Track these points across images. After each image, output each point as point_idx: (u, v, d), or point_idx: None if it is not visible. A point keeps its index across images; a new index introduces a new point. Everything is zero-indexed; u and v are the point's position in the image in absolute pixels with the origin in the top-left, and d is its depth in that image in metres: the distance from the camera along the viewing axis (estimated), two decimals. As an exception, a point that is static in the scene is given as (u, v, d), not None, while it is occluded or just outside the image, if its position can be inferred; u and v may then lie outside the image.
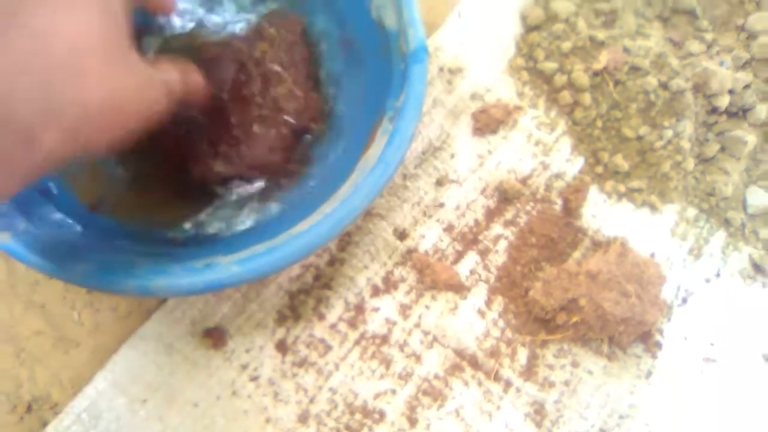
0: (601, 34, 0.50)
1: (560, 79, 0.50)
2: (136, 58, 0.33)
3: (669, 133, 0.49)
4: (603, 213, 0.49)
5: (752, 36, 0.52)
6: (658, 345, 0.47)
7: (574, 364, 0.45)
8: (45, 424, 0.42)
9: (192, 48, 0.44)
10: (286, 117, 0.43)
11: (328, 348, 0.44)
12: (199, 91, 0.39)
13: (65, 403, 0.42)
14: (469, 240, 0.47)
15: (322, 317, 0.45)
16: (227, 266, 0.36)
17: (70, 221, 0.41)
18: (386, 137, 0.40)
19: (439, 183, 0.48)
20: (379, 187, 0.38)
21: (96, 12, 0.32)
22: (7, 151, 0.28)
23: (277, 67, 0.44)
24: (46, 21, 0.30)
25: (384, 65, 0.43)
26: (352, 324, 0.45)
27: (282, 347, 0.44)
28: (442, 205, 0.48)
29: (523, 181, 0.49)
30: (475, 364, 0.45)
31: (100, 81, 0.31)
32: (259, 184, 0.45)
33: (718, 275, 0.50)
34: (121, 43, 0.33)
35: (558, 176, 0.49)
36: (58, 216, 0.41)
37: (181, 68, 0.37)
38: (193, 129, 0.42)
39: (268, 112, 0.43)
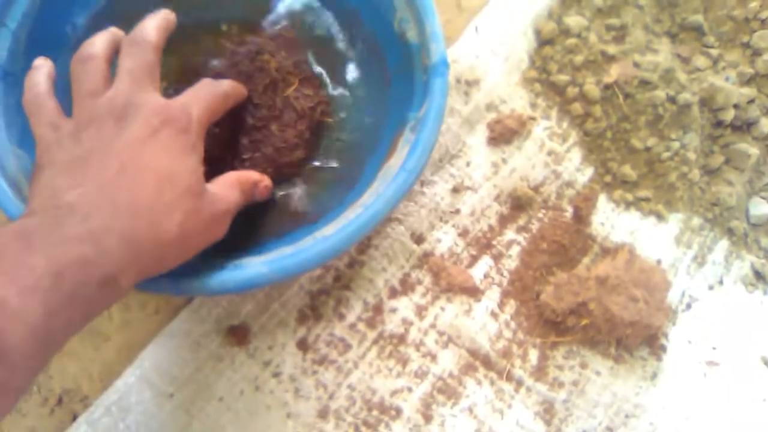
0: (611, 49, 0.52)
1: (572, 92, 0.52)
2: (210, 192, 0.35)
3: (676, 145, 0.51)
4: (612, 221, 0.51)
5: (757, 53, 0.54)
6: (663, 348, 0.48)
7: (583, 365, 0.47)
8: (75, 416, 0.43)
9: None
10: (300, 114, 0.45)
11: (348, 347, 0.46)
12: (266, 193, 0.42)
13: (95, 396, 0.44)
14: (483, 245, 0.49)
15: (341, 317, 0.46)
16: (256, 267, 0.38)
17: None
18: (408, 147, 0.41)
19: (455, 189, 0.50)
20: (400, 195, 0.40)
21: (181, 146, 0.34)
22: (93, 292, 0.29)
23: (282, 71, 0.45)
24: (134, 154, 0.33)
25: (406, 77, 0.45)
26: (371, 324, 0.46)
27: (303, 345, 0.46)
28: (457, 210, 0.49)
29: (536, 189, 0.51)
30: (487, 363, 0.46)
31: (180, 218, 0.33)
32: (289, 188, 0.46)
33: (721, 282, 0.51)
34: (201, 179, 0.35)
35: (569, 185, 0.51)
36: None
37: (243, 182, 0.39)
38: (214, 145, 0.44)
39: (283, 113, 0.45)
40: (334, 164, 0.46)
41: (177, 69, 0.46)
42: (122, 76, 0.35)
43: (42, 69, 0.37)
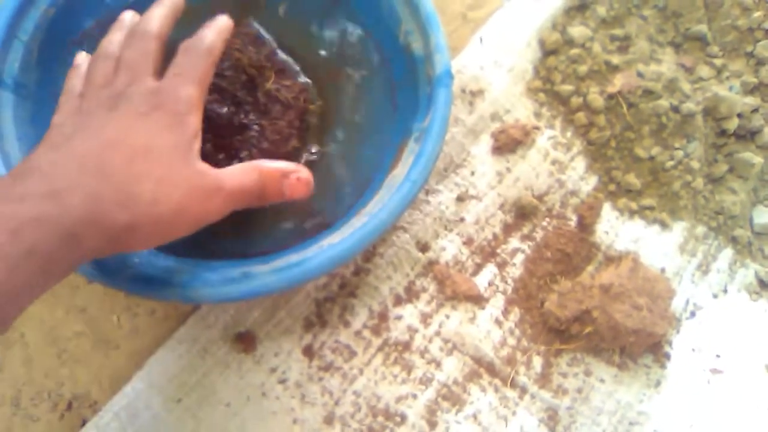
0: (615, 59, 0.52)
1: (576, 101, 0.52)
2: (199, 167, 0.34)
3: (680, 154, 0.51)
4: (616, 229, 0.51)
5: (761, 62, 0.54)
6: (667, 356, 0.49)
7: (587, 373, 0.47)
8: (84, 421, 0.44)
9: None
10: (285, 105, 0.46)
11: (353, 353, 0.46)
12: (300, 188, 0.39)
13: (104, 401, 0.44)
14: (488, 253, 0.49)
15: (347, 324, 0.47)
16: (263, 276, 0.39)
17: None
18: (412, 157, 0.42)
19: (460, 198, 0.50)
20: (405, 204, 0.41)
21: (165, 124, 0.34)
22: (53, 249, 0.29)
23: (256, 66, 0.46)
24: (114, 132, 0.33)
25: (411, 88, 0.45)
26: (376, 331, 0.47)
27: (309, 352, 0.46)
28: (462, 219, 0.50)
29: (540, 197, 0.51)
30: (492, 371, 0.47)
31: (151, 186, 0.32)
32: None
33: (725, 291, 0.52)
34: (185, 153, 0.34)
35: (573, 194, 0.52)
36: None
37: (265, 172, 0.37)
38: (209, 148, 0.44)
39: (269, 106, 0.45)
40: (330, 156, 0.47)
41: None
42: (121, 68, 0.36)
43: (81, 69, 0.39)
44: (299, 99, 0.46)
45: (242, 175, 0.36)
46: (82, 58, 0.39)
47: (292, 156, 0.46)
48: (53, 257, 0.29)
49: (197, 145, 0.35)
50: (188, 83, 0.35)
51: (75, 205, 0.30)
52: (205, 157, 0.44)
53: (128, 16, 0.40)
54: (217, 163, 0.44)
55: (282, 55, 0.48)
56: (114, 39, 0.38)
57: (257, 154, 0.44)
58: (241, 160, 0.44)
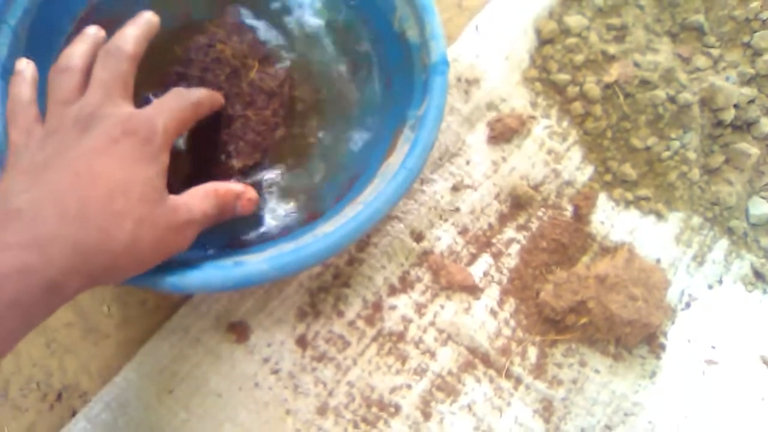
0: (612, 49, 0.52)
1: (572, 91, 0.52)
2: (170, 202, 0.35)
3: (676, 145, 0.51)
4: (611, 219, 0.51)
5: (758, 53, 0.54)
6: (662, 347, 0.49)
7: (582, 363, 0.47)
8: (74, 412, 0.44)
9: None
10: (269, 94, 0.45)
11: (347, 344, 0.46)
12: (250, 207, 0.40)
13: (94, 392, 0.44)
14: (483, 243, 0.49)
15: (340, 314, 0.46)
16: (256, 264, 0.38)
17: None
18: (408, 145, 0.42)
19: (455, 188, 0.50)
20: (400, 193, 0.40)
21: (140, 156, 0.34)
22: (35, 299, 0.29)
23: (239, 57, 0.45)
24: (89, 163, 0.32)
25: (406, 76, 0.45)
26: (370, 321, 0.46)
27: (302, 342, 0.46)
28: (457, 209, 0.49)
29: (536, 187, 0.51)
30: (487, 361, 0.47)
31: (130, 226, 0.32)
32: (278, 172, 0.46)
33: (720, 281, 0.52)
34: (159, 188, 0.34)
35: (569, 184, 0.51)
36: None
37: (221, 194, 0.38)
38: (196, 145, 0.44)
39: (254, 97, 0.45)
40: (314, 140, 0.47)
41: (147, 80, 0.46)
42: (94, 86, 0.35)
43: (25, 74, 0.38)
44: (283, 87, 0.46)
45: (203, 202, 0.37)
46: (23, 65, 0.38)
47: (281, 145, 0.45)
48: (36, 306, 0.30)
49: (165, 178, 0.35)
50: (167, 115, 0.35)
51: (58, 255, 0.30)
52: (196, 155, 0.44)
53: (92, 30, 0.39)
54: (208, 159, 0.44)
55: (266, 35, 0.48)
56: (77, 52, 0.37)
57: (245, 147, 0.44)
58: (229, 155, 0.43)
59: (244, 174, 0.45)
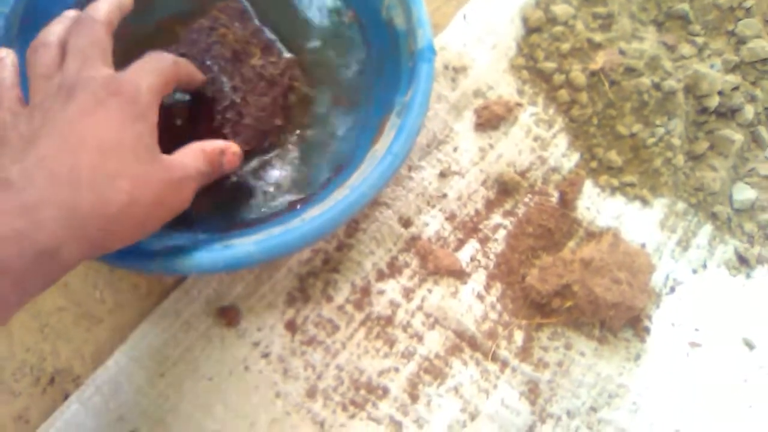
0: (598, 37, 0.53)
1: (559, 79, 0.52)
2: (164, 160, 0.35)
3: (661, 131, 0.52)
4: (597, 205, 0.52)
5: (741, 41, 0.55)
6: (647, 330, 0.49)
7: (567, 346, 0.48)
8: (67, 395, 0.44)
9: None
10: (270, 82, 0.45)
11: (336, 328, 0.46)
12: (235, 161, 0.41)
13: (86, 375, 0.44)
14: (470, 229, 0.50)
15: (330, 299, 0.47)
16: (245, 246, 0.39)
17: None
18: (394, 131, 0.42)
19: (442, 174, 0.50)
20: (386, 178, 0.41)
21: (128, 115, 0.33)
22: (27, 266, 0.29)
23: (241, 42, 0.45)
24: (77, 127, 0.32)
25: (393, 63, 0.45)
26: (359, 306, 0.47)
27: (292, 326, 0.46)
28: (444, 195, 0.50)
29: (522, 174, 0.51)
30: (473, 344, 0.47)
31: (126, 186, 0.32)
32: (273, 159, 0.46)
33: (704, 266, 0.52)
34: (151, 147, 0.34)
35: (555, 170, 0.52)
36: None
37: (208, 151, 0.38)
38: (192, 127, 0.44)
39: (254, 83, 0.45)
40: (312, 132, 0.47)
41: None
42: (71, 55, 0.35)
43: (6, 60, 0.37)
44: (284, 76, 0.46)
45: (195, 159, 0.37)
46: (3, 53, 0.38)
47: (275, 134, 0.46)
48: (29, 273, 0.29)
49: (156, 137, 0.35)
50: (149, 74, 0.35)
51: (48, 220, 0.29)
52: (190, 132, 0.45)
53: (71, 14, 0.38)
54: (200, 139, 0.44)
55: (268, 33, 0.48)
56: (54, 30, 0.37)
57: (241, 131, 0.44)
58: (225, 137, 0.44)
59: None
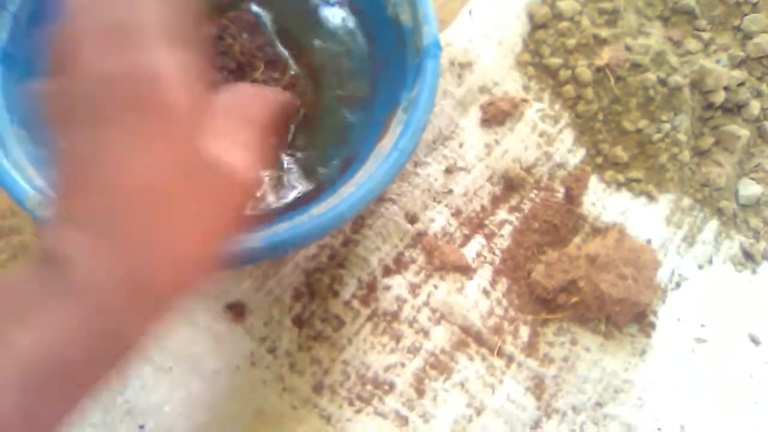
0: (604, 32, 0.53)
1: (564, 74, 0.52)
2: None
3: (667, 127, 0.52)
4: (603, 201, 0.52)
5: (747, 36, 0.55)
6: (652, 325, 0.49)
7: (573, 342, 0.48)
8: (76, 390, 0.45)
9: None
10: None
11: (342, 323, 0.47)
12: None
13: (95, 371, 0.45)
14: (476, 224, 0.50)
15: (336, 294, 0.47)
16: (251, 242, 0.39)
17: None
18: (400, 127, 0.42)
19: (448, 170, 0.50)
20: (393, 174, 0.41)
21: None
22: (94, 349, 0.26)
23: (247, 55, 0.45)
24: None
25: (400, 59, 0.45)
26: (365, 301, 0.47)
27: (298, 322, 0.47)
28: (450, 191, 0.50)
29: (528, 170, 0.51)
30: (479, 340, 0.47)
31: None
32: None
33: (710, 262, 0.52)
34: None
35: (561, 166, 0.52)
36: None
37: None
38: None
39: None
40: (306, 154, 0.47)
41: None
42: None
43: None
44: (286, 93, 0.47)
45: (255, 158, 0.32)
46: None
47: (275, 151, 0.46)
48: (97, 360, 0.26)
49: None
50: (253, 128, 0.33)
51: (119, 301, 0.26)
52: None
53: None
54: None
55: (276, 47, 0.48)
56: None
57: None
58: None
59: None
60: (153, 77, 0.26)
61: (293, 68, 0.48)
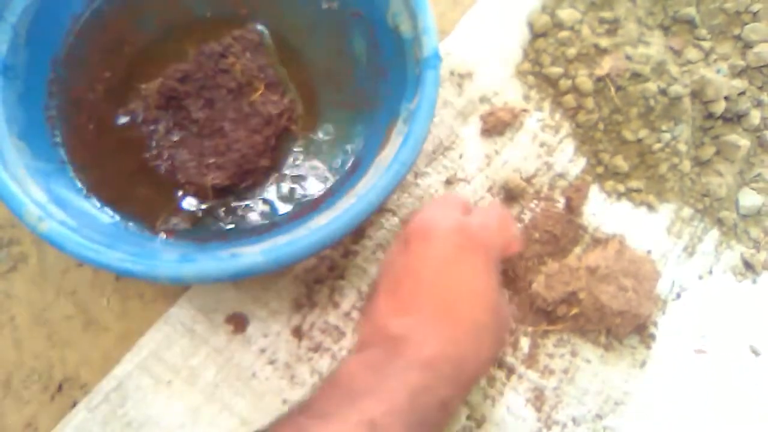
0: (604, 42, 0.52)
1: (565, 84, 0.52)
2: (503, 309, 0.37)
3: (667, 137, 0.51)
4: (603, 211, 0.51)
5: (748, 45, 0.55)
6: (653, 337, 0.49)
7: (573, 354, 0.48)
8: (75, 403, 0.44)
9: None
10: (266, 120, 0.45)
11: (342, 334, 0.47)
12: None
13: (94, 383, 0.44)
14: (476, 235, 0.50)
15: (336, 305, 0.47)
16: (252, 256, 0.39)
17: (104, 214, 0.43)
18: (401, 138, 0.42)
19: (449, 181, 0.50)
20: (393, 186, 0.41)
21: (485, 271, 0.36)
22: (431, 416, 0.31)
23: (247, 75, 0.46)
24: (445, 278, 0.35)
25: (399, 69, 0.45)
26: (365, 313, 0.47)
27: (298, 333, 0.46)
28: (450, 201, 0.50)
29: (528, 180, 0.51)
30: (480, 351, 0.47)
31: (490, 340, 0.35)
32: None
33: (710, 272, 0.52)
34: (499, 300, 0.37)
35: (561, 176, 0.52)
36: (92, 209, 0.43)
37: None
38: (176, 146, 0.44)
39: (249, 118, 0.45)
40: (318, 134, 0.47)
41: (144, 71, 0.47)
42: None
43: None
44: (282, 117, 0.46)
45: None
46: None
47: (259, 173, 0.46)
48: (434, 423, 0.32)
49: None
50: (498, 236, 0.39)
51: (447, 374, 0.32)
52: (172, 152, 0.45)
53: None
54: (183, 163, 0.44)
55: (278, 69, 0.48)
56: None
57: (225, 163, 0.44)
58: (207, 167, 0.44)
59: (215, 191, 0.45)
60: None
61: (292, 91, 0.48)
